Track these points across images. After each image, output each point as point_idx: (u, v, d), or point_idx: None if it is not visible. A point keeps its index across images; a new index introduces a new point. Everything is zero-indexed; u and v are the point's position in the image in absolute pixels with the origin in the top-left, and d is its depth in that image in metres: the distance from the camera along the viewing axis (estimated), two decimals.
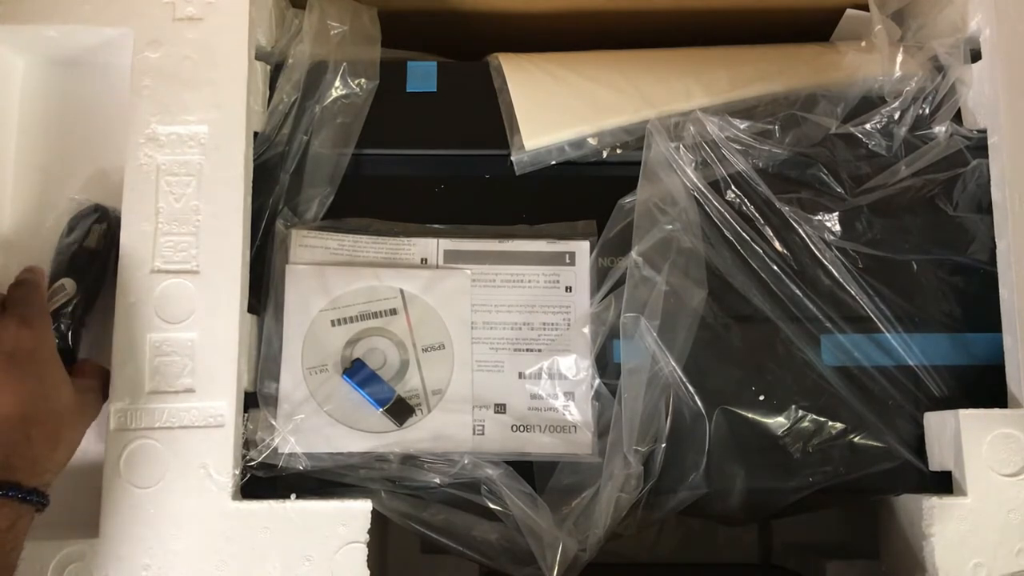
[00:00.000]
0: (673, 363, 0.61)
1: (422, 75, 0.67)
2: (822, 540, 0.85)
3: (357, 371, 0.61)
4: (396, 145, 0.67)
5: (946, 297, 0.64)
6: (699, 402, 0.61)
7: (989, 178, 0.64)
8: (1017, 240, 0.62)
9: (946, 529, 0.58)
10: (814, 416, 0.62)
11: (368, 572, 0.56)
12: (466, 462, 0.60)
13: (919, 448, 0.62)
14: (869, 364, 0.63)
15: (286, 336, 0.62)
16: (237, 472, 0.59)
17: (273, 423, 0.60)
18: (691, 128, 0.64)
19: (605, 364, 0.63)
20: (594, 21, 0.75)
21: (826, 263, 0.63)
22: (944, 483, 0.61)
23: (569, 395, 0.63)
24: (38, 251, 0.65)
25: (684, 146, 0.64)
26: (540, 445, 0.62)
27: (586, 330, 0.63)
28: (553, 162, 0.66)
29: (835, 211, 0.64)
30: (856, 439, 0.62)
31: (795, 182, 0.65)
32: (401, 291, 0.64)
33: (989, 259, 0.64)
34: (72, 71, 0.68)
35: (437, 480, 0.61)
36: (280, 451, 0.60)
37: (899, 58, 0.65)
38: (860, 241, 0.64)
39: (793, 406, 0.63)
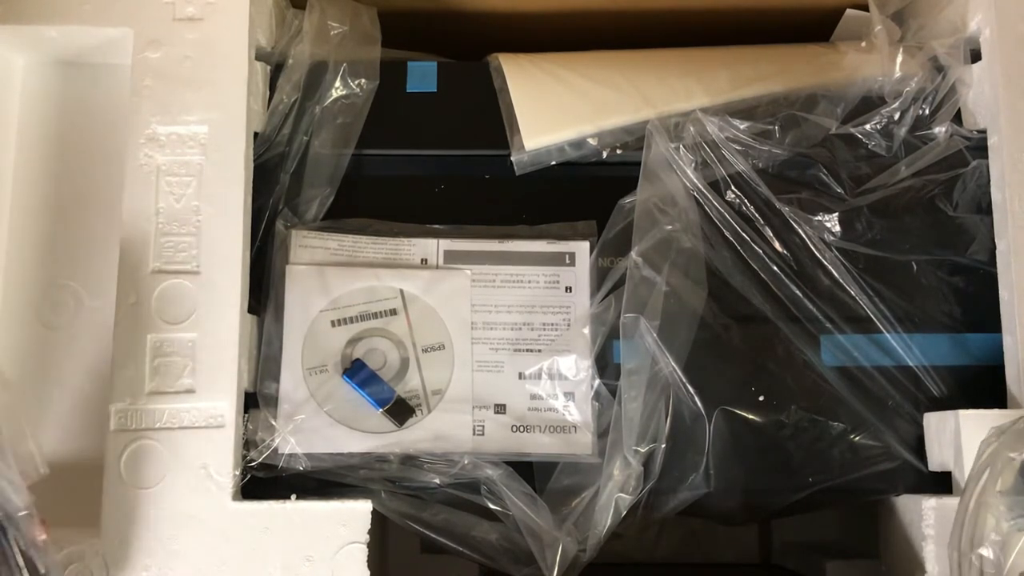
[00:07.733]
0: (673, 363, 0.61)
1: (422, 75, 0.67)
2: (822, 540, 0.85)
3: (357, 371, 0.61)
4: (396, 145, 0.66)
5: (946, 297, 0.64)
6: (699, 402, 0.61)
7: (989, 178, 0.64)
8: (1017, 240, 0.62)
9: (946, 529, 0.58)
10: (814, 416, 0.62)
11: (368, 572, 0.56)
12: (466, 462, 0.60)
13: (919, 448, 0.62)
14: (869, 364, 0.63)
15: (286, 336, 0.62)
16: (237, 472, 0.59)
17: (273, 423, 0.60)
18: (691, 128, 0.64)
19: (605, 364, 0.63)
20: (594, 21, 0.75)
21: (826, 263, 0.63)
22: (944, 483, 0.61)
23: (569, 395, 0.63)
24: (38, 251, 0.66)
25: (684, 146, 0.64)
26: (540, 445, 0.62)
27: (586, 330, 0.63)
28: (553, 162, 0.65)
29: (835, 211, 0.64)
30: (856, 439, 0.62)
31: (795, 182, 0.65)
32: (401, 291, 0.64)
33: (989, 259, 0.64)
34: (72, 71, 0.68)
35: (437, 480, 0.61)
36: (280, 451, 0.60)
37: (899, 58, 0.65)
38: (860, 241, 0.64)
39: (793, 406, 0.63)
